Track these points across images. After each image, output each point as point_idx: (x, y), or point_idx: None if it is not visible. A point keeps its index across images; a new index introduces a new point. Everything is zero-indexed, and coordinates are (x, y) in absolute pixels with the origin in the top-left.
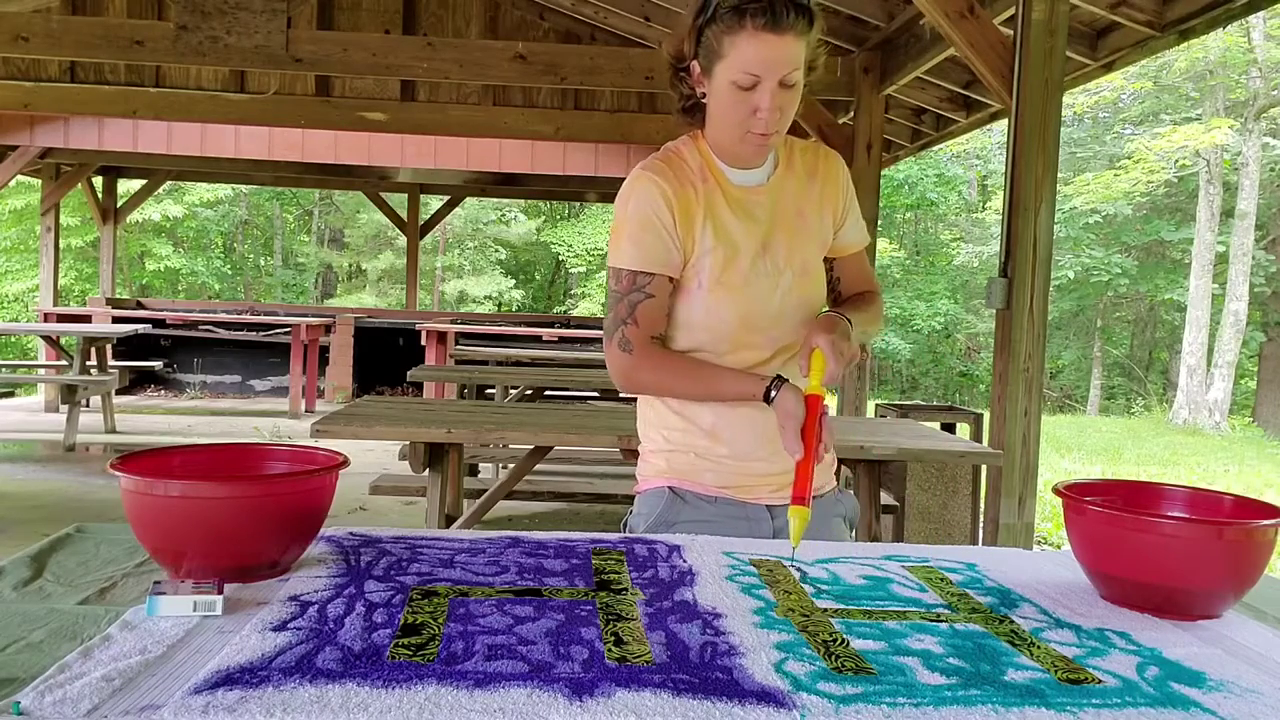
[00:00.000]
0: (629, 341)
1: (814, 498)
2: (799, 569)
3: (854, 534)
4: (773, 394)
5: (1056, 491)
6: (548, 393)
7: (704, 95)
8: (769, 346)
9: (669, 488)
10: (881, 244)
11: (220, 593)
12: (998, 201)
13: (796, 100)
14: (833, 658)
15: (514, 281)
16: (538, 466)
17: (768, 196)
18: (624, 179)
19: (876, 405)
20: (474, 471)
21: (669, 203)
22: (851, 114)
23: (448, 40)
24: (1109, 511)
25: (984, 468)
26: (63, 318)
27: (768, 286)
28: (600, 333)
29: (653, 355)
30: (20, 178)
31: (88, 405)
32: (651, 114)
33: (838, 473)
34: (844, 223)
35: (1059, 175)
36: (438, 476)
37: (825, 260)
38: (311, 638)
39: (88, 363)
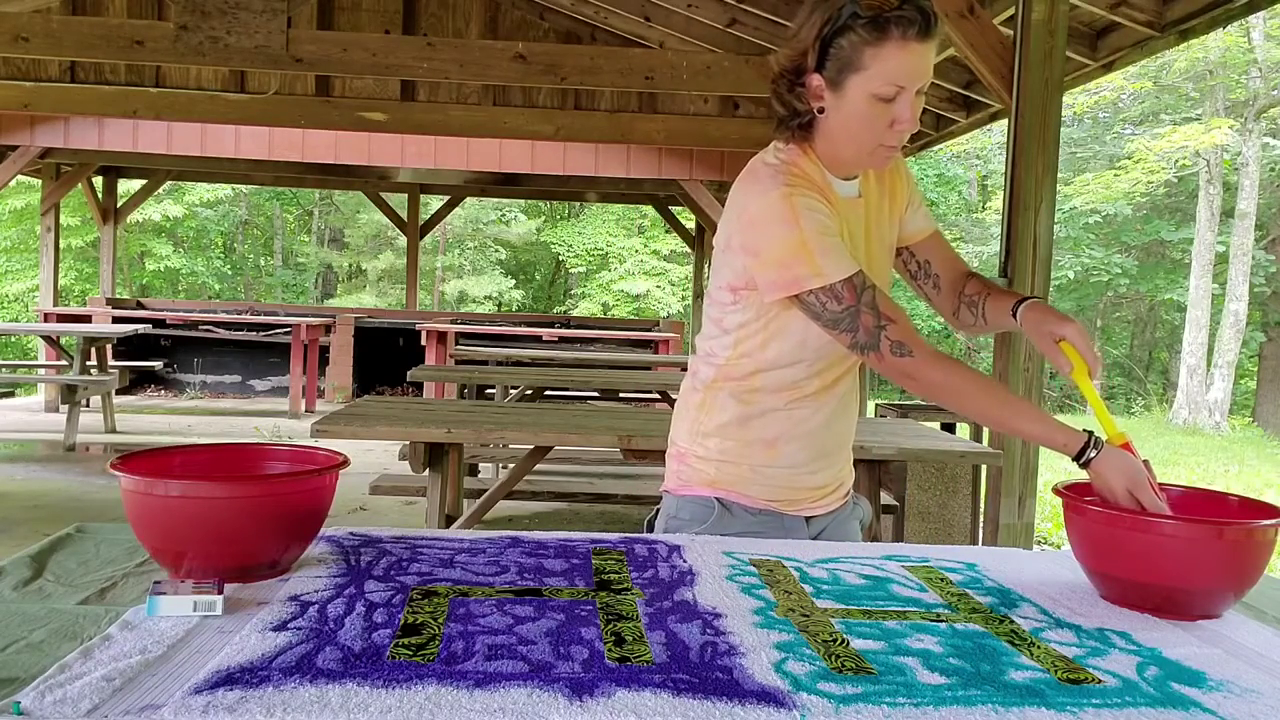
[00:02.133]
0: (901, 344)
1: (835, 511)
2: (798, 569)
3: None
4: (1091, 453)
5: (1056, 491)
6: (548, 393)
7: (821, 109)
8: (845, 363)
9: (717, 499)
10: None
11: (220, 593)
12: (998, 201)
13: (922, 106)
14: (833, 658)
15: (514, 281)
16: (538, 466)
17: (861, 210)
18: (624, 178)
19: (876, 405)
20: (474, 471)
21: (828, 210)
22: None
23: (448, 40)
24: (1109, 511)
25: (984, 468)
26: (63, 318)
27: None
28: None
29: (934, 352)
30: (20, 178)
31: (88, 405)
32: (652, 114)
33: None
34: (906, 210)
35: (1059, 175)
36: (438, 476)
37: (902, 251)
38: (311, 638)
39: (88, 363)
